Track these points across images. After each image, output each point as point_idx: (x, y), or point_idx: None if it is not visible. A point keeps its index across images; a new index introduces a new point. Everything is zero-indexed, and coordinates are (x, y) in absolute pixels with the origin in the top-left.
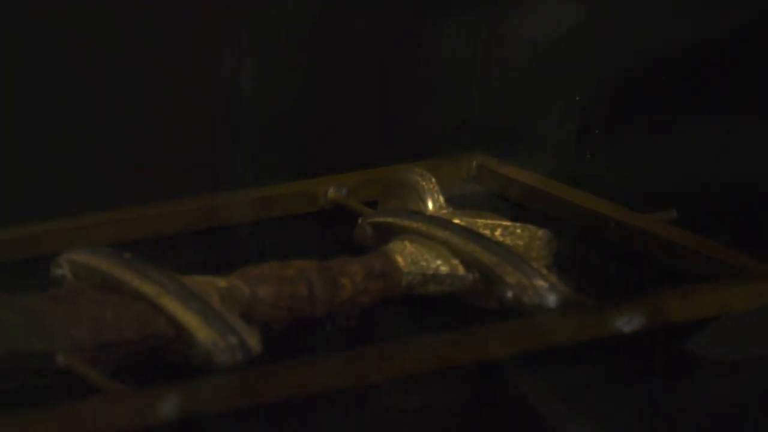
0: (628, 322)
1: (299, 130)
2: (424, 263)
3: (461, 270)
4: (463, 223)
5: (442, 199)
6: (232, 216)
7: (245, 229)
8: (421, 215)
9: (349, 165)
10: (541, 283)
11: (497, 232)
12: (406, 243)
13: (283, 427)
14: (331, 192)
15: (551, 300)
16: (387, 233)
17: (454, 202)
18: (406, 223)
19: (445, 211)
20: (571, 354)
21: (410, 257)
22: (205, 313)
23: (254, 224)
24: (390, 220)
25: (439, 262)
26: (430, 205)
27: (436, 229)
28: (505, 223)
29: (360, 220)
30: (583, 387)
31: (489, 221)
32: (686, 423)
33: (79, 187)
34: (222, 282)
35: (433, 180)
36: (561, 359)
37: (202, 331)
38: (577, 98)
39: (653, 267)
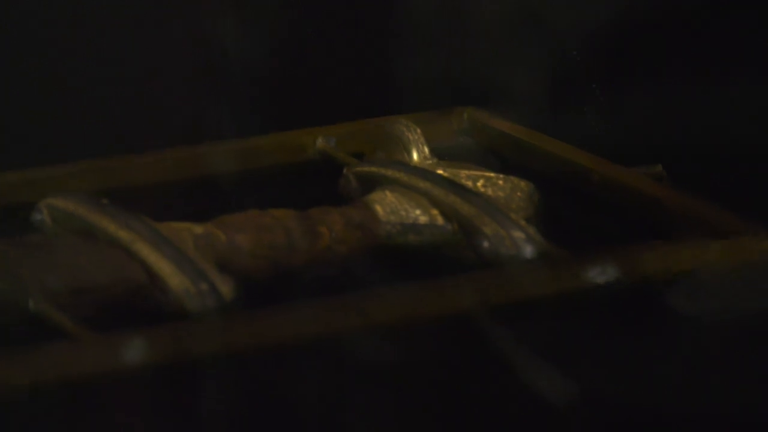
0: (601, 274)
1: (288, 84)
2: (403, 213)
3: (440, 220)
4: (446, 174)
5: (427, 150)
6: (219, 165)
7: (232, 178)
8: (404, 165)
9: (338, 119)
10: (518, 234)
11: (479, 183)
12: (387, 193)
13: (254, 376)
14: (320, 142)
15: (528, 251)
16: (371, 183)
17: (444, 154)
18: (389, 172)
19: (429, 162)
20: (546, 307)
21: (390, 207)
22: (178, 260)
23: (242, 174)
24: (373, 169)
25: (418, 212)
26: (415, 156)
27: (417, 180)
28: (488, 174)
29: (345, 170)
30: (557, 340)
31: (472, 172)
32: (658, 378)
33: (65, 136)
34: (198, 229)
35: (419, 131)
36: (536, 313)
37: (174, 278)
38: (574, 52)
39: (635, 222)
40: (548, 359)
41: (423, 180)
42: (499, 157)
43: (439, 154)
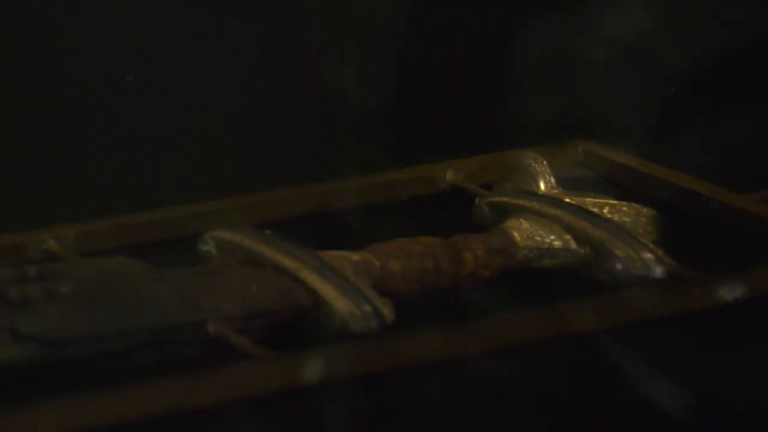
0: (730, 293)
1: (407, 122)
2: (539, 238)
3: (573, 244)
4: (573, 202)
5: (553, 180)
6: (360, 199)
7: (371, 210)
8: (535, 195)
9: (458, 155)
10: (648, 255)
11: (605, 210)
12: (522, 220)
13: (422, 390)
14: (450, 175)
15: (658, 271)
16: (503, 212)
17: (565, 185)
18: (521, 202)
19: (556, 191)
20: (677, 325)
21: (526, 233)
22: (341, 285)
23: (381, 206)
24: (506, 199)
25: (552, 237)
26: (542, 185)
27: (549, 207)
28: (612, 201)
29: (477, 201)
30: (685, 357)
31: (597, 200)
32: None
33: (210, 177)
34: (355, 256)
35: (545, 162)
36: (668, 330)
37: (339, 302)
38: (673, 89)
39: (754, 244)
40: (679, 376)
41: (554, 207)
42: (616, 186)
43: (562, 184)
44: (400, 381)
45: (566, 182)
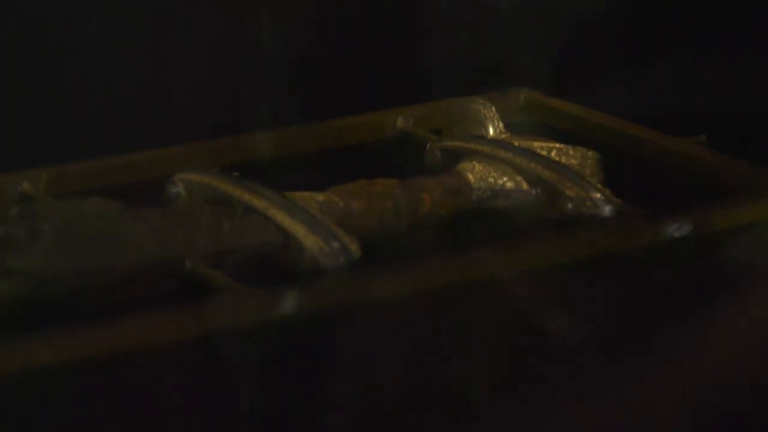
0: (677, 229)
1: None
2: (491, 180)
3: (525, 186)
4: (522, 146)
5: (501, 125)
6: (312, 143)
7: (325, 155)
8: (485, 139)
9: (405, 101)
10: (597, 195)
11: (552, 153)
12: (474, 163)
13: (383, 324)
14: (400, 122)
15: (607, 210)
16: (454, 157)
17: (510, 130)
18: (472, 145)
19: (504, 136)
20: (624, 262)
21: (479, 175)
22: (309, 223)
23: (332, 151)
24: (457, 143)
25: (505, 178)
26: (491, 130)
27: (500, 150)
28: (558, 145)
29: (429, 145)
30: (630, 294)
31: (544, 144)
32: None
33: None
34: (319, 197)
35: (493, 108)
36: (616, 266)
37: (308, 238)
38: (605, 39)
39: (687, 186)
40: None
41: (505, 150)
42: (557, 132)
43: (509, 130)
44: (369, 315)
45: (511, 128)
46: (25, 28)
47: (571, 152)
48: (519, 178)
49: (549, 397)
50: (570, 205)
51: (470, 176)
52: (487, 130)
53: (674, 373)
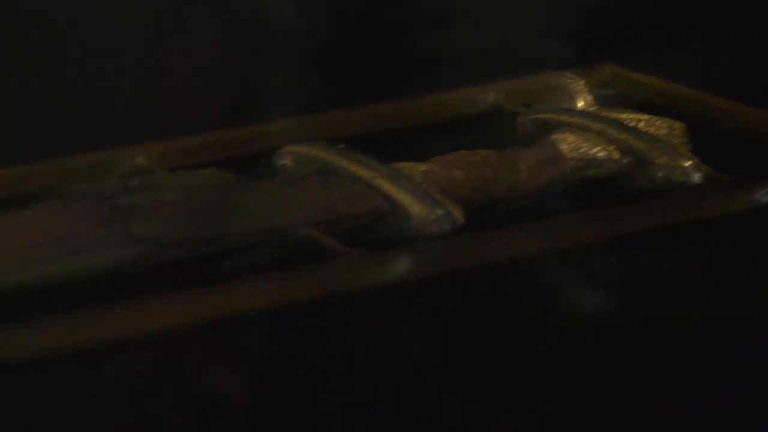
0: (765, 195)
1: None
2: (584, 150)
3: (616, 155)
4: (612, 117)
5: (590, 98)
6: (410, 118)
7: (422, 128)
8: (576, 111)
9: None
10: (686, 163)
11: (640, 124)
12: (567, 134)
13: (480, 289)
14: (491, 96)
15: (696, 177)
16: (545, 128)
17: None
18: (564, 117)
19: (593, 108)
20: (716, 227)
21: (572, 145)
22: (415, 191)
23: (428, 125)
24: (549, 116)
25: (597, 149)
26: (580, 103)
27: (591, 122)
28: (645, 116)
29: (521, 117)
30: (720, 260)
31: (631, 116)
32: None
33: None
34: (422, 166)
35: (582, 82)
36: (709, 231)
37: (414, 206)
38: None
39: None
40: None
41: (596, 122)
42: (640, 104)
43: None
44: (477, 278)
45: (598, 101)
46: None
47: (657, 123)
48: (610, 148)
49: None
50: (660, 174)
51: (564, 147)
52: (576, 103)
53: None
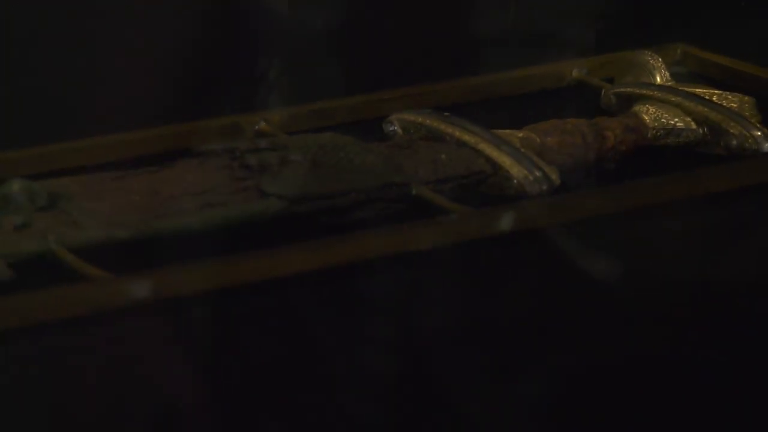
0: None
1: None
2: (664, 120)
3: (693, 125)
4: (688, 91)
5: (667, 74)
6: (503, 90)
7: (514, 99)
8: (655, 85)
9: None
10: (758, 133)
11: (714, 98)
12: (648, 106)
13: (576, 242)
14: (575, 72)
15: (767, 146)
16: (627, 101)
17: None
18: (644, 91)
19: (670, 83)
20: None
21: (653, 116)
22: (514, 155)
23: (519, 97)
24: (630, 89)
25: (676, 119)
26: (658, 78)
27: (669, 95)
28: (717, 91)
29: (604, 91)
30: None
31: (706, 90)
32: None
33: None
34: (519, 133)
35: (660, 59)
36: None
37: (514, 168)
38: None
39: None
40: None
41: (674, 95)
42: (711, 81)
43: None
44: (573, 233)
45: (673, 78)
46: None
47: (729, 97)
48: (688, 119)
49: None
50: (734, 142)
51: (645, 117)
52: (654, 79)
53: None
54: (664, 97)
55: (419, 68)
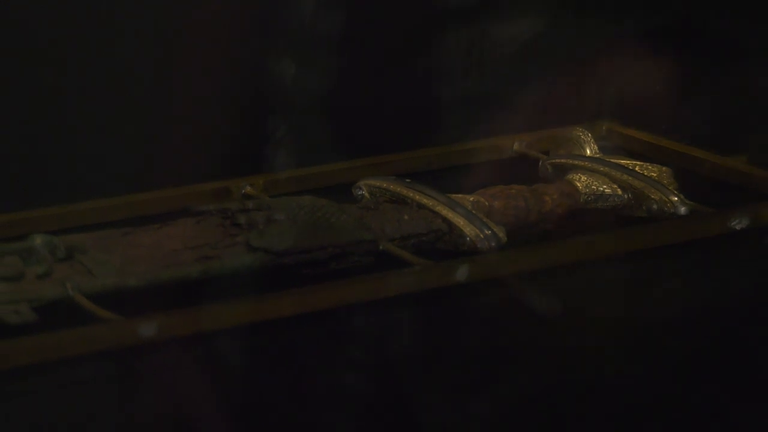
0: (739, 223)
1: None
2: (594, 187)
3: (619, 191)
4: (613, 162)
5: (596, 147)
6: (453, 160)
7: (461, 169)
8: (586, 157)
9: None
10: (675, 198)
11: (636, 168)
12: (580, 174)
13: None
14: (516, 145)
15: (683, 210)
16: (561, 170)
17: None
18: (577, 162)
19: (599, 155)
20: (698, 248)
21: (585, 183)
22: (467, 215)
23: (466, 166)
24: (564, 160)
25: (604, 186)
26: (588, 151)
27: (599, 165)
28: (639, 162)
29: (541, 162)
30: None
31: (628, 161)
32: None
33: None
34: (471, 197)
35: (590, 134)
36: (695, 251)
37: (467, 227)
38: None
39: (741, 194)
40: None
41: (602, 165)
42: (632, 153)
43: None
44: (521, 283)
45: (601, 150)
46: None
47: (649, 167)
48: (615, 186)
49: None
50: (655, 206)
51: (578, 184)
52: (585, 151)
53: None
54: (593, 167)
55: (384, 139)
